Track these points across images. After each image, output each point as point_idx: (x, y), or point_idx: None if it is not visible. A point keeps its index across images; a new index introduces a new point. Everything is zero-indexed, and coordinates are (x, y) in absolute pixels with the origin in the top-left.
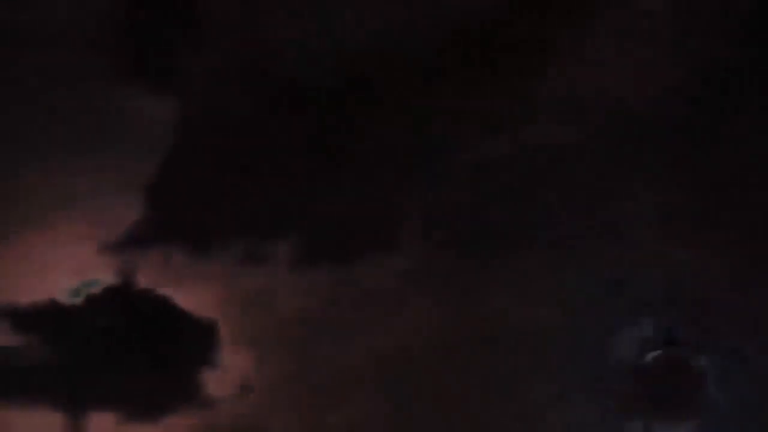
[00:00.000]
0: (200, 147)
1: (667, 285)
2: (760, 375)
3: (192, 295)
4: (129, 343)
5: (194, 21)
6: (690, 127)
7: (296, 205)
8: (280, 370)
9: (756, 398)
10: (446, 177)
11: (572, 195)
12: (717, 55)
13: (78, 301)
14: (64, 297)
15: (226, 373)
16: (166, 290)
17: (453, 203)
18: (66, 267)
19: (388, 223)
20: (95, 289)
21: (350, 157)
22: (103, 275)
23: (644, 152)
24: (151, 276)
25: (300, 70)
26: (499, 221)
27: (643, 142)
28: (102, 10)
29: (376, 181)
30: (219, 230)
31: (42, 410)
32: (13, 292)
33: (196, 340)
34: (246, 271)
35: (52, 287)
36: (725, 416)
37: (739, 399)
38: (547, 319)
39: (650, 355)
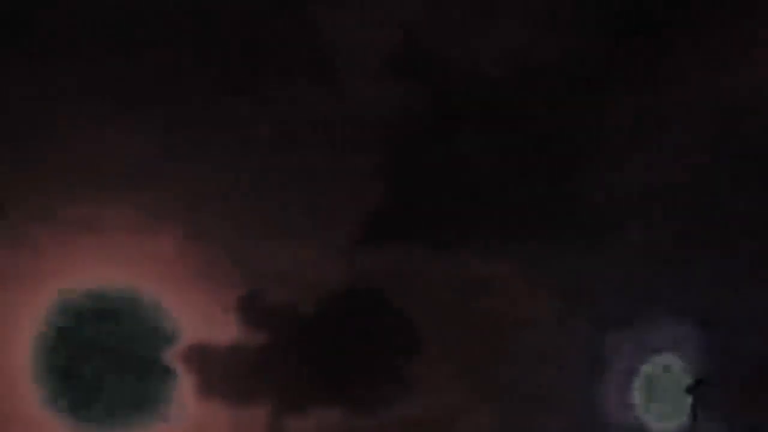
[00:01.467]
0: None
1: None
2: None
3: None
4: (338, 340)
5: None
6: None
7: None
8: (478, 368)
9: None
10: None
11: None
12: None
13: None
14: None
15: (426, 371)
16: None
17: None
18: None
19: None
20: None
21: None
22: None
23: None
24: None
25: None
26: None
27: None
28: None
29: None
30: (453, 227)
31: (250, 406)
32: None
33: (401, 338)
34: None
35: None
36: None
37: None
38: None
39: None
